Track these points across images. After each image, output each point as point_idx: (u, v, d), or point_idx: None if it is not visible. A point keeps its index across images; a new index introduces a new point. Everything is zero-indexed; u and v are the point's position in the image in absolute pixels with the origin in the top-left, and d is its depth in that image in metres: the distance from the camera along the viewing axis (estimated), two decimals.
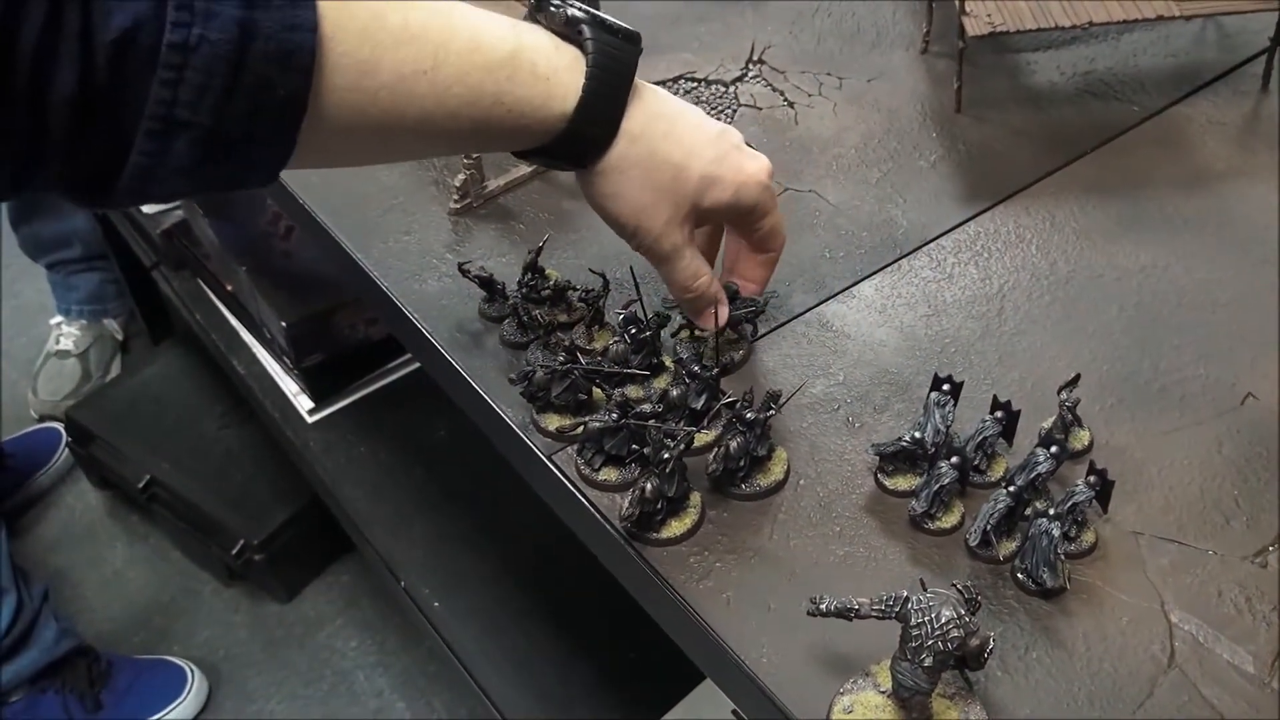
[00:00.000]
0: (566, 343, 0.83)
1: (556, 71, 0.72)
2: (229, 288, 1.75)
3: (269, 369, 1.73)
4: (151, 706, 1.79)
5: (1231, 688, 0.69)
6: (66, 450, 2.13)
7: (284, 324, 1.58)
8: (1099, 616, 0.73)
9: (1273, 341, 0.88)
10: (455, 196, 1.00)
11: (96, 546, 2.08)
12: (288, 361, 1.67)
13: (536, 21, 0.75)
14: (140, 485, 1.89)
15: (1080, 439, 0.81)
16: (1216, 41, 1.15)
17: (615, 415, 0.78)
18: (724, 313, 0.85)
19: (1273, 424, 0.82)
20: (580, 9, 0.74)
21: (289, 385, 1.71)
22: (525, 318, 0.89)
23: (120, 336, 2.34)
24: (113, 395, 2.09)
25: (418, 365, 1.70)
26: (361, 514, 1.55)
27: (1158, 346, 0.89)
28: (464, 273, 0.91)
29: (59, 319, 2.30)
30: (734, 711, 1.22)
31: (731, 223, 0.85)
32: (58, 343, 2.27)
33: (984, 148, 1.07)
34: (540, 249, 0.90)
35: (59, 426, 2.15)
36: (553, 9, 0.74)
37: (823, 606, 0.68)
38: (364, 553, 1.57)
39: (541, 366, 0.82)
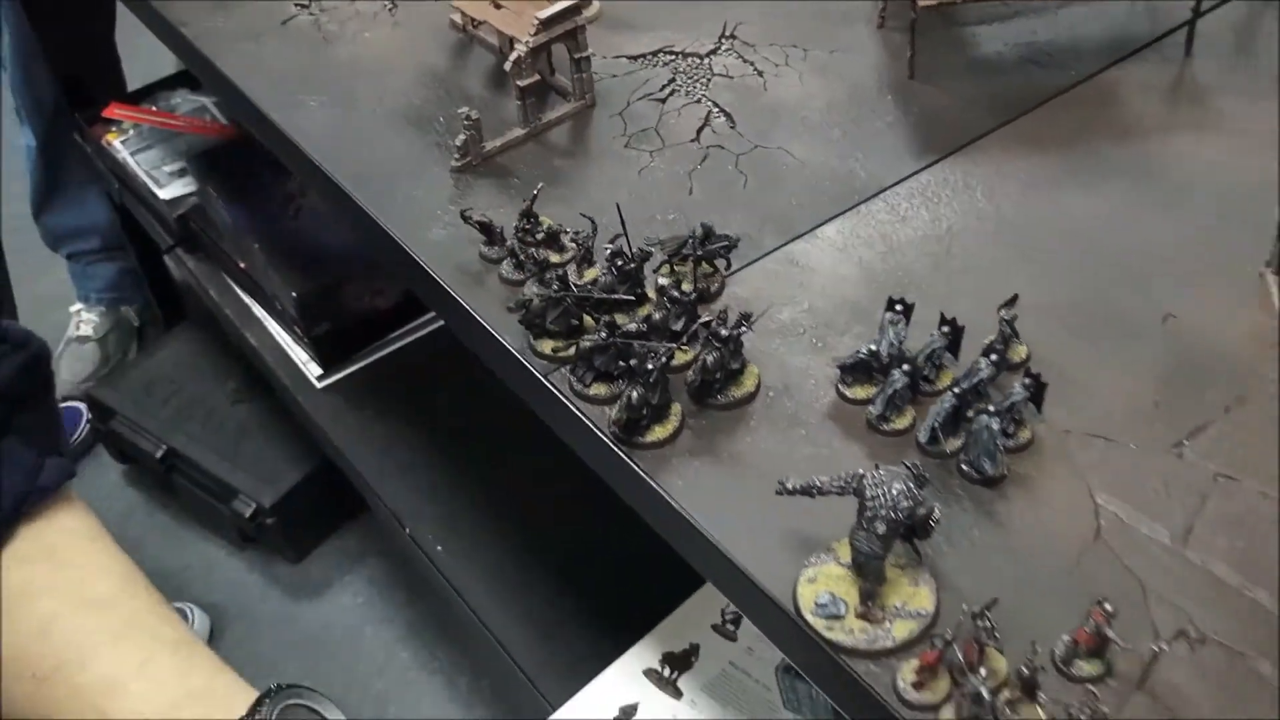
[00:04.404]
0: (559, 273, 0.93)
1: None
2: (242, 265, 1.84)
3: (280, 340, 1.82)
4: None
5: (1150, 557, 0.78)
6: (88, 427, 2.22)
7: (294, 294, 1.67)
8: (1033, 501, 0.82)
9: (1193, 271, 0.98)
10: (456, 156, 1.10)
11: (116, 516, 2.17)
12: (298, 331, 1.76)
13: None
14: (159, 456, 1.99)
15: (1018, 352, 0.91)
16: (1146, 14, 1.25)
17: (604, 334, 0.87)
18: None
19: (1190, 339, 0.92)
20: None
21: (299, 354, 1.79)
22: (522, 257, 0.98)
23: (137, 323, 2.43)
24: (131, 374, 2.19)
25: (422, 334, 1.80)
26: (369, 470, 1.63)
27: (1093, 279, 0.98)
28: (465, 219, 1.01)
29: (79, 306, 2.38)
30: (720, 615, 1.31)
31: None
32: (78, 329, 2.35)
33: (935, 110, 1.16)
34: (535, 196, 1.00)
35: (81, 405, 2.24)
36: None
37: (789, 485, 0.77)
38: (372, 505, 1.66)
39: (537, 295, 0.92)
